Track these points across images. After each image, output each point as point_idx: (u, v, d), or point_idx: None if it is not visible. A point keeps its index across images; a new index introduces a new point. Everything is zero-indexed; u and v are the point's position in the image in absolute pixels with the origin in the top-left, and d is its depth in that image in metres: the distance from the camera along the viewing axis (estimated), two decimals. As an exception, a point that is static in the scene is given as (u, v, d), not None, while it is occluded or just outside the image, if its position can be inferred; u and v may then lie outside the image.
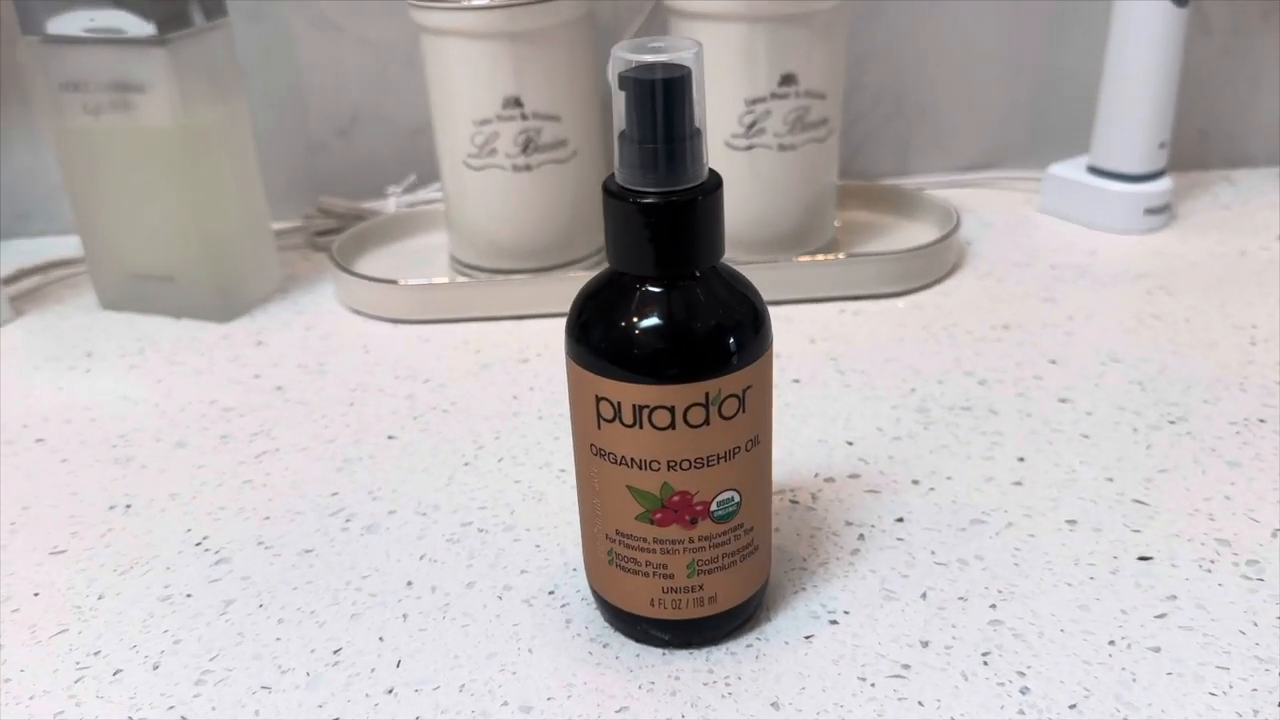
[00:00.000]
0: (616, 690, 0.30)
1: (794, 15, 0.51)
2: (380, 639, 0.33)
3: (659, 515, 0.29)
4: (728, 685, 0.30)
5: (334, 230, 0.65)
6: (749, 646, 0.31)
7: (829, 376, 0.47)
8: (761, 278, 0.53)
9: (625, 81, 0.26)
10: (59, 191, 0.62)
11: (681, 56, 0.26)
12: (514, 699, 0.30)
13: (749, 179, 0.54)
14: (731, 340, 0.28)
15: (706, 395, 0.27)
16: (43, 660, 0.33)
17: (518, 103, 0.52)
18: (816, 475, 0.40)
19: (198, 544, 0.38)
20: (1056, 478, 0.39)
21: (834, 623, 0.32)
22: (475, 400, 0.47)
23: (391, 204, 0.66)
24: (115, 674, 0.32)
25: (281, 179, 0.70)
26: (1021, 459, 0.40)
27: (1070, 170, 0.63)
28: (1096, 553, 0.34)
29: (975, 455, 0.40)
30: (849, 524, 0.37)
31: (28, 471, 0.44)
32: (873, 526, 0.37)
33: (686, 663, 0.31)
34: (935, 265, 0.56)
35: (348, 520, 0.39)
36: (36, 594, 0.36)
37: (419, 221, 0.65)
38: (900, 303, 0.54)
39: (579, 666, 0.31)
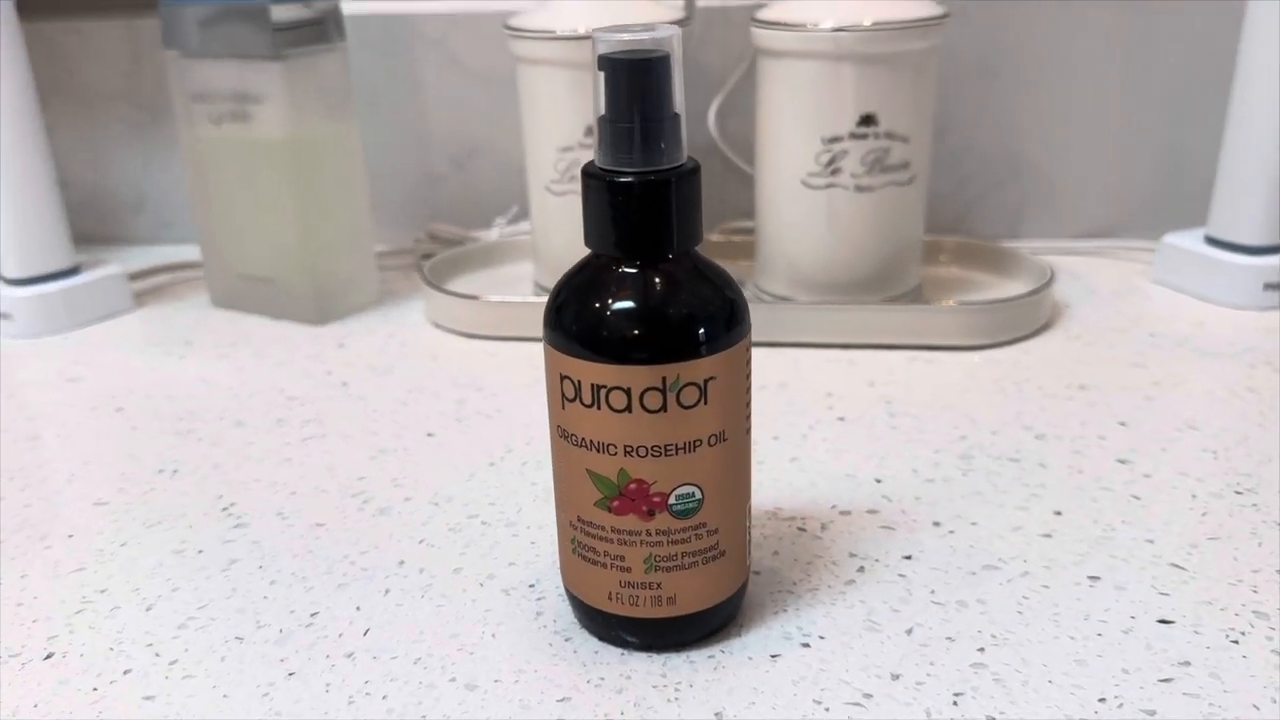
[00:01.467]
0: (564, 681, 0.29)
1: (878, 55, 0.50)
2: (357, 608, 0.33)
3: (616, 503, 0.28)
4: (676, 691, 0.29)
5: (452, 246, 0.68)
6: (710, 657, 0.30)
7: (877, 417, 0.46)
8: (831, 319, 0.53)
9: (604, 62, 0.26)
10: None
11: (660, 40, 0.26)
12: (462, 677, 0.30)
13: (824, 219, 0.53)
14: (693, 327, 0.27)
15: (664, 380, 0.27)
16: (55, 592, 0.35)
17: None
18: (833, 507, 0.38)
19: (224, 509, 0.40)
20: (1091, 534, 0.36)
21: (805, 645, 0.30)
22: (520, 409, 0.48)
23: (495, 233, 0.69)
24: (112, 610, 0.34)
25: (399, 204, 0.74)
26: (1058, 513, 0.37)
27: (1186, 240, 0.59)
28: (1113, 610, 0.31)
29: (1009, 504, 0.38)
30: (852, 555, 0.35)
31: (99, 434, 0.47)
32: (876, 560, 0.35)
33: (642, 664, 0.30)
34: (1019, 321, 0.53)
35: (365, 502, 0.40)
36: (70, 535, 0.38)
37: (513, 250, 0.67)
38: (977, 356, 0.52)
39: (535, 655, 0.30)
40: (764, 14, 0.53)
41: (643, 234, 0.27)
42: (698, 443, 0.28)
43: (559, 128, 0.54)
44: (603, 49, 0.26)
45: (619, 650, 0.30)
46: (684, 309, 0.27)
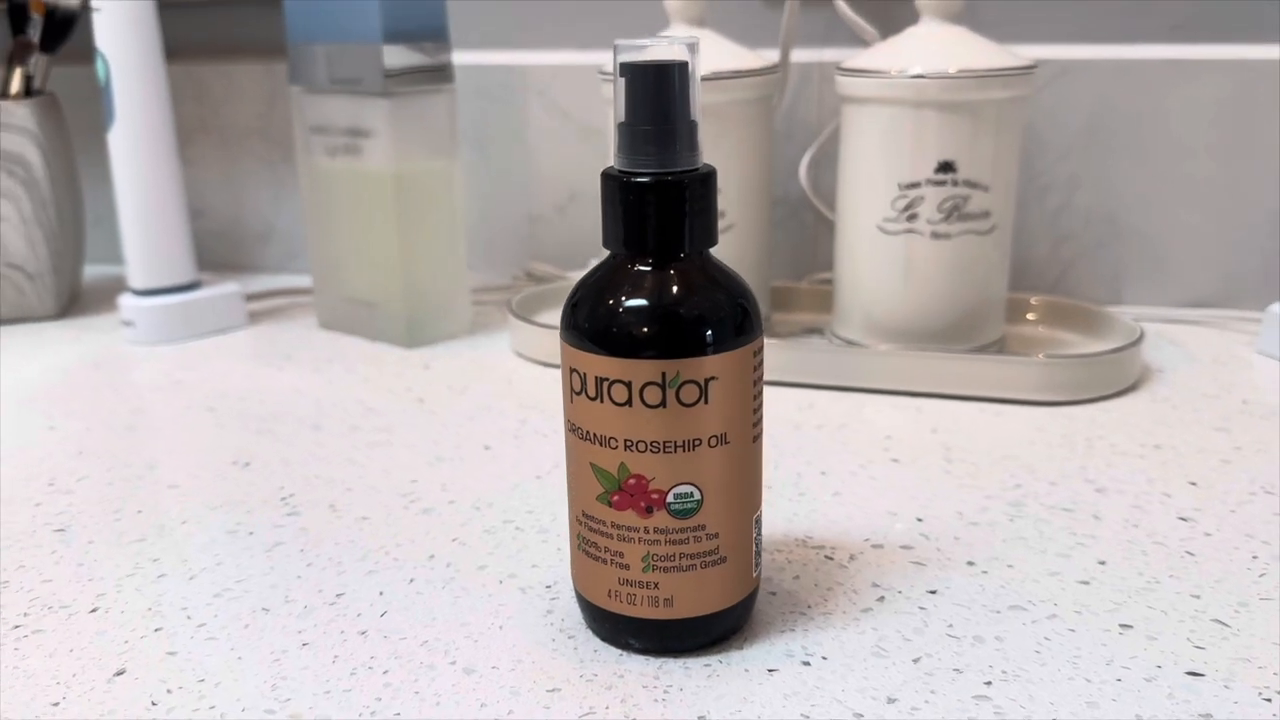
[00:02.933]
0: (557, 673, 0.30)
1: (959, 103, 0.50)
2: (380, 593, 0.34)
3: (616, 497, 0.29)
4: (665, 692, 0.29)
5: (545, 281, 0.70)
6: (706, 665, 0.30)
7: (932, 462, 0.45)
8: (897, 365, 0.52)
9: (625, 69, 0.27)
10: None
11: (678, 49, 0.27)
12: (462, 661, 0.30)
13: (899, 265, 0.53)
14: (695, 325, 0.28)
15: (663, 375, 0.27)
16: (113, 557, 0.37)
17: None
18: (866, 540, 0.38)
19: (282, 499, 0.42)
20: (1133, 585, 0.34)
21: (806, 664, 0.30)
22: None
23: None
24: (159, 576, 0.36)
25: (501, 243, 0.77)
26: (1102, 562, 0.36)
27: None
28: (1139, 658, 0.30)
29: (1051, 551, 0.36)
30: (874, 585, 0.34)
31: (187, 429, 0.50)
32: (899, 592, 0.34)
33: (636, 665, 0.30)
34: (1102, 379, 0.51)
35: (411, 502, 0.41)
36: (139, 511, 0.41)
37: None
38: (1050, 411, 0.50)
39: (536, 648, 0.31)
40: (850, 63, 0.54)
41: (654, 232, 0.28)
42: (697, 442, 0.28)
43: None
44: (624, 57, 0.27)
45: (618, 651, 0.31)
46: (687, 307, 0.28)
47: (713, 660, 0.30)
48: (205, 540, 0.39)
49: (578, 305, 0.29)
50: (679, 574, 0.29)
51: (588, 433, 0.29)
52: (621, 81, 0.28)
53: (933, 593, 0.34)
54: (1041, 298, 0.63)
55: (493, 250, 0.76)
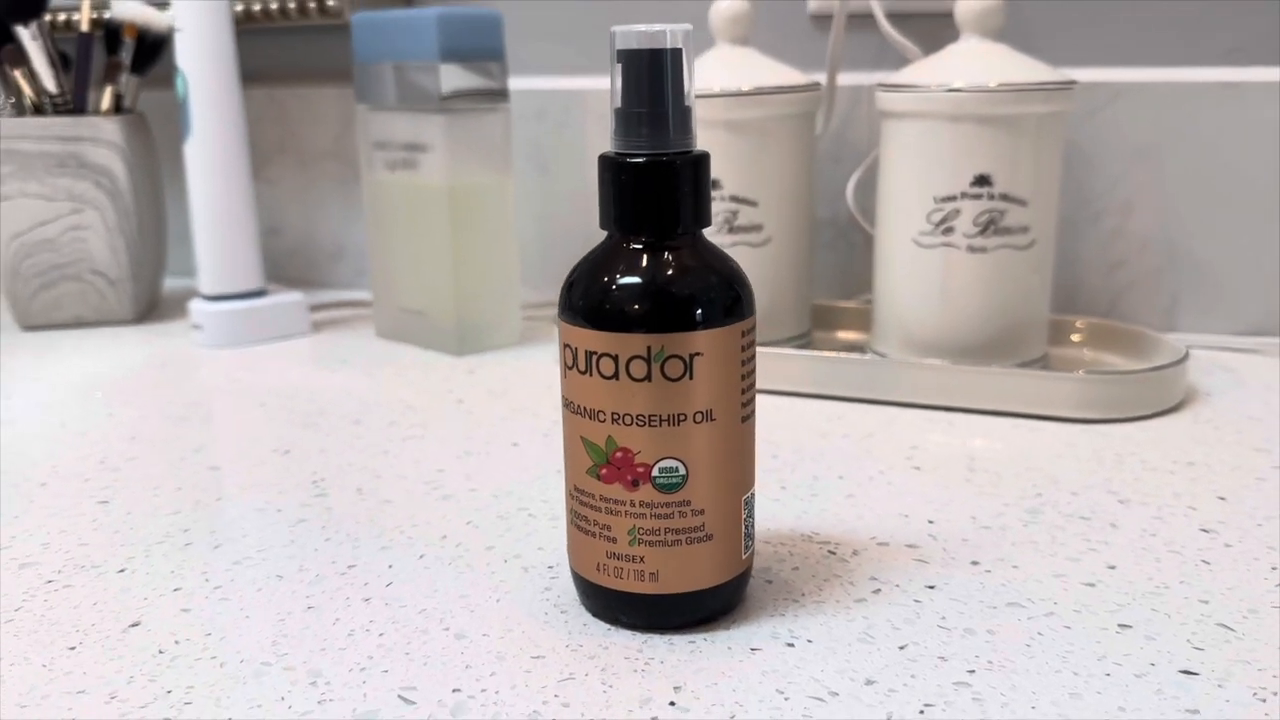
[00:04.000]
0: (544, 642, 0.30)
1: (997, 117, 0.50)
2: (389, 566, 0.36)
3: (604, 470, 0.30)
4: (646, 664, 0.29)
5: None
6: (690, 642, 0.30)
7: (954, 470, 0.44)
8: (928, 379, 0.51)
9: (620, 55, 0.29)
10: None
11: (673, 34, 0.28)
12: (455, 626, 0.31)
13: (935, 279, 0.53)
14: (680, 301, 0.29)
15: (649, 349, 0.28)
16: (147, 526, 0.40)
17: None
18: (873, 538, 0.38)
19: (313, 482, 0.44)
20: (1140, 588, 0.33)
21: (790, 645, 0.30)
22: None
23: None
24: (186, 545, 0.38)
25: (558, 261, 0.78)
26: (1112, 567, 0.35)
27: None
28: (1133, 656, 0.29)
29: (1061, 554, 0.36)
30: (873, 579, 0.34)
31: (236, 420, 0.53)
32: (896, 586, 0.34)
33: (622, 639, 0.31)
34: (1141, 399, 0.50)
35: (434, 489, 0.43)
36: (178, 489, 0.43)
37: None
38: (1086, 428, 0.49)
39: (528, 619, 0.32)
40: (890, 79, 0.54)
41: (646, 212, 0.29)
42: (682, 417, 0.29)
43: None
44: (620, 44, 0.29)
45: (607, 626, 0.31)
46: (676, 285, 0.29)
47: (698, 638, 0.31)
48: (235, 516, 0.41)
49: (574, 284, 0.30)
50: (664, 549, 0.30)
51: (579, 406, 0.30)
52: (618, 67, 0.29)
53: (931, 588, 0.34)
54: (1087, 320, 0.62)
55: (549, 268, 0.77)
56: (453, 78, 0.61)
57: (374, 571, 0.35)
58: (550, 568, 0.35)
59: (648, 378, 0.28)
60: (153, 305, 0.78)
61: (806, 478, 0.44)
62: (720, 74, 0.55)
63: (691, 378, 0.28)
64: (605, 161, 0.29)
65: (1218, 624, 0.31)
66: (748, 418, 0.30)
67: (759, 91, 0.55)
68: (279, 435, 0.50)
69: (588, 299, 0.29)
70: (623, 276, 0.29)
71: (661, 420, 0.29)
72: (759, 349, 0.31)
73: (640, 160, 0.29)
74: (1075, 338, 0.61)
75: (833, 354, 0.58)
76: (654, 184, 0.29)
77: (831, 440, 0.48)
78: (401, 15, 0.67)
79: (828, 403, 0.53)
